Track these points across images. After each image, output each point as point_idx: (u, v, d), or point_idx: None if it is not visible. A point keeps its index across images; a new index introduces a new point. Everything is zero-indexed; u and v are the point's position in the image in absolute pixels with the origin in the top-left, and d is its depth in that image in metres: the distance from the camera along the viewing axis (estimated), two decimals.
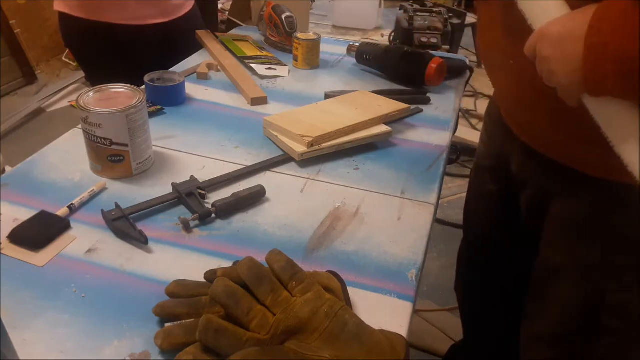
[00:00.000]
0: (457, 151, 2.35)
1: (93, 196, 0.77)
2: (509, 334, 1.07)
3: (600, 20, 0.54)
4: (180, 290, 0.58)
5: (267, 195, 0.79)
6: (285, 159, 0.89)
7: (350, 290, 0.60)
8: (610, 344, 0.80)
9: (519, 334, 0.95)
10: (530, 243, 0.89)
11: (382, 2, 1.98)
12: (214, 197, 0.77)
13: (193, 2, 1.41)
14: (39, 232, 0.68)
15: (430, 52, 1.23)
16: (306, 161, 0.89)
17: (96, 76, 1.36)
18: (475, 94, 3.06)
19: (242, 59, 1.27)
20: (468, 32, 3.43)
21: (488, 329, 1.21)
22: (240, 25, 1.92)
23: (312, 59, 1.28)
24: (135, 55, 1.27)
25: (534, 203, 0.87)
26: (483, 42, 0.84)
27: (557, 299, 0.84)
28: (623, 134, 0.57)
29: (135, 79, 0.95)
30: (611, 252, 0.76)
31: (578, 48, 0.55)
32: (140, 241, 0.68)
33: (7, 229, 0.68)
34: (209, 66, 1.22)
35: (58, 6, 1.26)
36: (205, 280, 0.60)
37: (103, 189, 0.79)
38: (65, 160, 0.85)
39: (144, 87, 1.04)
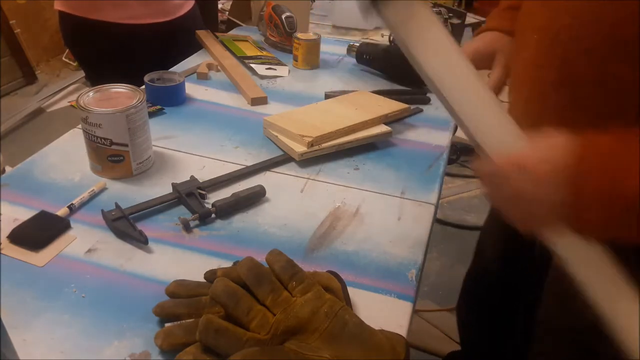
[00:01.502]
0: (457, 151, 2.35)
1: (93, 196, 0.77)
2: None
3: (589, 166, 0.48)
4: (180, 290, 0.58)
5: (267, 195, 0.79)
6: (285, 159, 0.89)
7: (350, 290, 0.60)
8: None
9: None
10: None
11: None
12: (214, 197, 0.77)
13: (193, 2, 1.41)
14: (39, 232, 0.68)
15: None
16: (306, 161, 0.89)
17: (96, 76, 1.36)
18: None
19: (242, 59, 1.27)
20: (468, 32, 3.43)
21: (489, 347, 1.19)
22: (240, 25, 1.92)
23: (312, 59, 1.28)
24: (135, 55, 1.27)
25: None
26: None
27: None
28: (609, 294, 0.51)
29: (135, 79, 0.95)
30: None
31: (565, 193, 0.49)
32: (140, 241, 0.68)
33: (7, 229, 0.68)
34: (209, 66, 1.22)
35: (58, 5, 1.27)
36: (205, 280, 0.60)
37: (103, 189, 0.79)
38: (65, 160, 0.85)
39: (144, 87, 1.04)
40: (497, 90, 0.84)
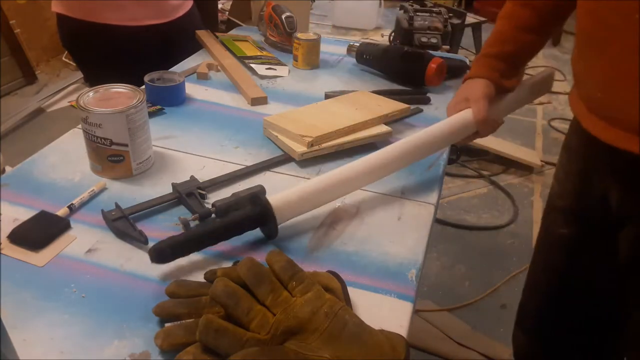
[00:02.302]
0: (457, 151, 2.35)
1: (93, 196, 0.77)
2: None
3: None
4: (180, 290, 0.58)
5: (267, 195, 0.79)
6: (285, 159, 0.89)
7: (350, 290, 0.60)
8: None
9: None
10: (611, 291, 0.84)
11: (382, 2, 1.98)
12: (214, 197, 0.77)
13: (192, 2, 1.41)
14: (39, 232, 0.68)
15: (430, 52, 1.23)
16: (306, 161, 0.89)
17: (95, 77, 1.36)
18: None
19: (242, 59, 1.27)
20: (468, 32, 3.43)
21: None
22: (240, 25, 1.92)
23: (312, 59, 1.28)
24: (134, 57, 1.27)
25: None
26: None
27: None
28: None
29: (135, 79, 0.95)
30: None
31: None
32: (140, 241, 0.68)
33: (7, 229, 0.68)
34: (209, 66, 1.22)
35: (56, 7, 1.26)
36: (205, 280, 0.60)
37: (103, 189, 0.79)
38: (65, 160, 0.85)
39: (144, 87, 1.04)
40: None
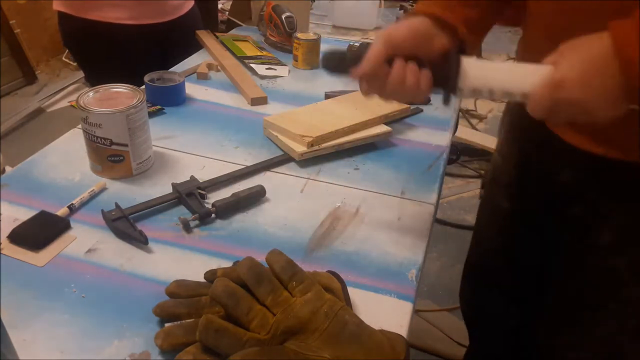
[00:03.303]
0: (457, 151, 2.36)
1: (93, 196, 0.77)
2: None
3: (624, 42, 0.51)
4: (180, 291, 0.58)
5: (267, 195, 0.79)
6: (285, 159, 0.89)
7: (350, 290, 0.60)
8: None
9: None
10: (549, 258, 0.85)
11: (382, 2, 1.99)
12: (214, 197, 0.77)
13: (192, 2, 1.41)
14: (39, 232, 0.68)
15: None
16: (306, 161, 0.89)
17: (95, 76, 1.36)
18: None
19: (242, 59, 1.27)
20: None
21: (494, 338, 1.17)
22: (240, 25, 1.92)
23: (312, 59, 1.28)
24: (135, 55, 1.27)
25: (588, 216, 0.78)
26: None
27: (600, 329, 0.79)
28: None
29: (135, 79, 0.95)
30: None
31: (611, 77, 0.52)
32: (140, 241, 0.68)
33: (7, 229, 0.68)
34: (209, 66, 1.22)
35: (57, 6, 1.27)
36: (205, 280, 0.60)
37: (103, 189, 0.79)
38: (65, 160, 0.85)
39: (144, 87, 1.04)
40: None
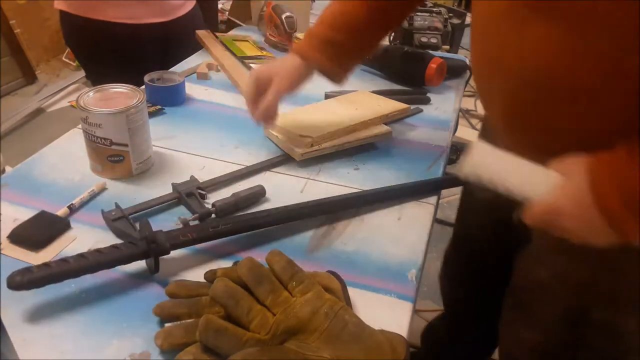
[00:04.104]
0: (457, 151, 2.35)
1: (93, 196, 0.77)
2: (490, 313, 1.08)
3: (602, 183, 0.55)
4: (180, 291, 0.58)
5: (267, 195, 0.79)
6: (285, 159, 0.89)
7: (350, 290, 0.60)
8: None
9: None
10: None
11: None
12: (214, 197, 0.77)
13: (194, 2, 1.41)
14: (39, 232, 0.68)
15: (430, 52, 1.23)
16: (306, 161, 0.89)
17: (96, 75, 1.36)
18: (475, 94, 3.06)
19: (242, 59, 1.27)
20: (468, 32, 3.42)
21: (469, 309, 1.22)
22: (240, 25, 1.92)
23: None
24: (135, 55, 1.27)
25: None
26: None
27: (540, 312, 0.81)
28: None
29: (135, 79, 0.95)
30: (601, 272, 0.71)
31: (598, 218, 0.55)
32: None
33: (7, 229, 0.68)
34: (209, 66, 1.22)
35: (58, 5, 1.27)
36: (205, 280, 0.60)
37: (103, 189, 0.79)
38: (65, 160, 0.85)
39: (144, 87, 1.04)
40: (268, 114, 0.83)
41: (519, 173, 0.60)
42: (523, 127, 0.67)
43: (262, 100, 0.83)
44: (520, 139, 0.68)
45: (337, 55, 0.84)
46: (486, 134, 0.95)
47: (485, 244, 1.05)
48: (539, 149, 0.62)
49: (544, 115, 0.63)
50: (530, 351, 0.85)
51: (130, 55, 1.27)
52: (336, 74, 0.87)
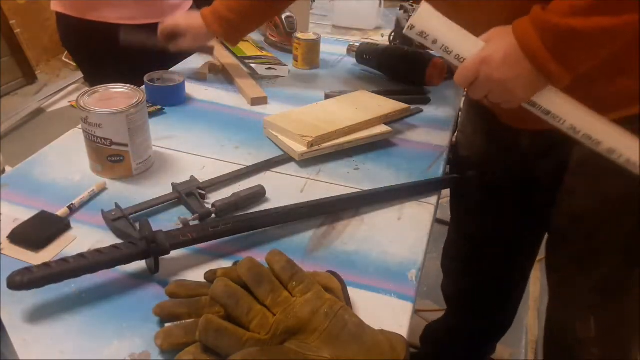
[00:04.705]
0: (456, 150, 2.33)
1: (93, 196, 0.77)
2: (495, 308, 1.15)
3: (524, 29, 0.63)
4: (180, 291, 0.58)
5: (267, 195, 0.79)
6: (285, 159, 0.89)
7: (350, 290, 0.60)
8: None
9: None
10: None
11: (382, 2, 1.98)
12: (214, 197, 0.77)
13: (190, 2, 1.41)
14: (39, 232, 0.68)
15: (430, 52, 1.23)
16: (306, 161, 0.89)
17: (94, 77, 1.36)
18: None
19: (242, 59, 1.27)
20: None
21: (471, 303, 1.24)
22: None
23: (312, 59, 1.28)
24: (133, 56, 1.27)
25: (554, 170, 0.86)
26: None
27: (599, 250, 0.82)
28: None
29: (134, 79, 0.95)
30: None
31: (524, 62, 0.63)
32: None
33: (7, 229, 0.68)
34: (210, 66, 1.22)
35: (55, 6, 1.26)
36: (205, 280, 0.60)
37: (103, 189, 0.79)
38: (65, 160, 0.85)
39: (144, 87, 1.04)
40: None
41: (457, 36, 0.68)
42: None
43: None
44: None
45: (231, 30, 1.11)
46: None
47: (482, 226, 1.08)
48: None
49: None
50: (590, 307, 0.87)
51: (128, 56, 1.27)
52: (229, 41, 1.18)
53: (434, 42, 0.69)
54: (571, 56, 0.62)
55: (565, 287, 0.91)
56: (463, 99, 1.11)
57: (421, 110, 1.10)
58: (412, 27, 0.68)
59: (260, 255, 0.59)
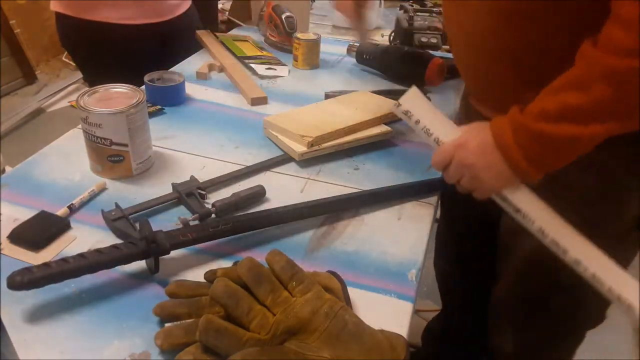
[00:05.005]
0: None
1: (93, 196, 0.77)
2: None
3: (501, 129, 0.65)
4: (180, 291, 0.58)
5: (267, 195, 0.79)
6: (285, 159, 0.89)
7: (350, 290, 0.60)
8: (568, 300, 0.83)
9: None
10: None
11: (382, 2, 1.98)
12: (214, 197, 0.77)
13: (189, 2, 1.41)
14: (39, 232, 0.68)
15: (430, 52, 1.23)
16: (306, 161, 0.89)
17: (94, 77, 1.36)
18: None
19: (242, 59, 1.27)
20: None
21: (464, 299, 1.25)
22: (240, 25, 1.91)
23: (312, 59, 1.28)
24: (132, 56, 1.27)
25: None
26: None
27: (519, 258, 0.87)
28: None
29: (134, 79, 0.95)
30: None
31: (496, 154, 0.65)
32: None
33: (7, 229, 0.68)
34: (210, 66, 1.22)
35: (54, 6, 1.26)
36: (205, 280, 0.60)
37: (103, 189, 0.79)
38: (65, 160, 0.85)
39: (144, 87, 1.04)
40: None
41: (439, 121, 0.72)
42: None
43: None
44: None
45: None
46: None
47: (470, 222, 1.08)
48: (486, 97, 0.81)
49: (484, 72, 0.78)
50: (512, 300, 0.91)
51: (128, 56, 1.27)
52: None
53: (417, 122, 0.72)
54: (540, 156, 0.64)
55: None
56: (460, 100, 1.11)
57: None
58: (398, 105, 0.72)
59: (260, 255, 0.59)
